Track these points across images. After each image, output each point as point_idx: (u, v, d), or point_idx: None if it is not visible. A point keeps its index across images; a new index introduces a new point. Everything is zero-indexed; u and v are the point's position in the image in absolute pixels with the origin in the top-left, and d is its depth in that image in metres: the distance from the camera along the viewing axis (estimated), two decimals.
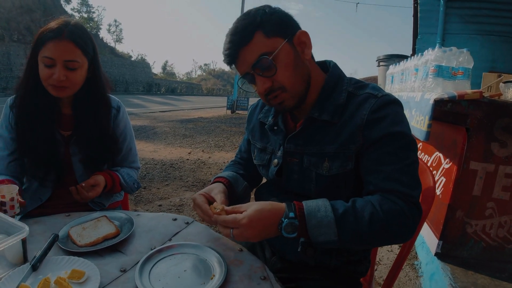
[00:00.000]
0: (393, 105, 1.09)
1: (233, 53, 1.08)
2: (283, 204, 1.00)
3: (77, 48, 1.41)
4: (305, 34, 1.13)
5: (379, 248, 2.47)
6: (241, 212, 0.99)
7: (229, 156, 6.76)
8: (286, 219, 0.95)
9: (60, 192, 1.60)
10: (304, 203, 1.00)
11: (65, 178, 1.59)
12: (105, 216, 1.29)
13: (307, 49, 1.13)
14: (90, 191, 1.46)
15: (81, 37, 1.43)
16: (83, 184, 1.43)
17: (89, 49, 1.48)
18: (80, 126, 1.57)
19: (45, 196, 1.58)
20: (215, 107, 24.52)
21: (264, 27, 1.06)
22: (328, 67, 1.23)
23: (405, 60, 3.41)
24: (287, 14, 1.13)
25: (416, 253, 2.82)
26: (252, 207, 0.98)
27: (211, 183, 1.31)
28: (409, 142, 1.06)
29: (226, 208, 1.04)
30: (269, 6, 1.11)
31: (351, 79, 1.20)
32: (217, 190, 1.20)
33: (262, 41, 1.06)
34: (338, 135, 1.11)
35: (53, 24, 1.41)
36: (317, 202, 0.99)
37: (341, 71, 1.22)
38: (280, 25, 1.09)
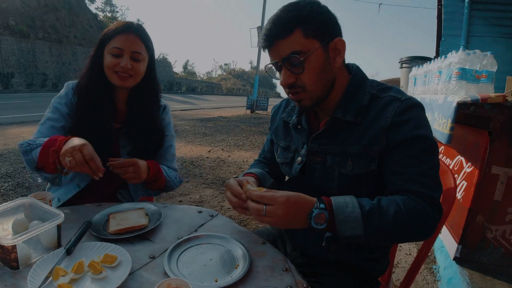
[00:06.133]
0: (417, 109, 1.11)
1: (269, 40, 1.10)
2: (314, 198, 1.03)
3: (142, 43, 1.58)
4: (342, 42, 1.13)
5: (397, 251, 2.46)
6: None
7: (248, 155, 6.81)
8: (316, 209, 0.98)
9: (98, 182, 1.59)
10: (332, 198, 1.03)
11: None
12: (143, 208, 1.33)
13: (339, 57, 1.14)
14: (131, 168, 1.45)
15: (145, 34, 1.61)
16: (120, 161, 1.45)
17: (151, 46, 1.65)
18: (132, 119, 1.67)
19: (83, 183, 1.63)
20: (234, 106, 24.61)
21: (306, 25, 1.07)
22: (351, 69, 1.25)
23: (428, 62, 3.38)
24: (332, 16, 1.13)
25: (434, 257, 2.81)
26: (289, 192, 1.01)
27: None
28: (431, 145, 1.08)
29: (263, 189, 1.07)
30: (317, 4, 1.11)
31: (373, 81, 1.22)
32: (249, 180, 1.23)
33: (299, 39, 1.07)
34: (362, 136, 1.13)
35: (118, 23, 1.59)
36: (345, 199, 1.02)
37: (364, 74, 1.24)
38: (321, 28, 1.09)
